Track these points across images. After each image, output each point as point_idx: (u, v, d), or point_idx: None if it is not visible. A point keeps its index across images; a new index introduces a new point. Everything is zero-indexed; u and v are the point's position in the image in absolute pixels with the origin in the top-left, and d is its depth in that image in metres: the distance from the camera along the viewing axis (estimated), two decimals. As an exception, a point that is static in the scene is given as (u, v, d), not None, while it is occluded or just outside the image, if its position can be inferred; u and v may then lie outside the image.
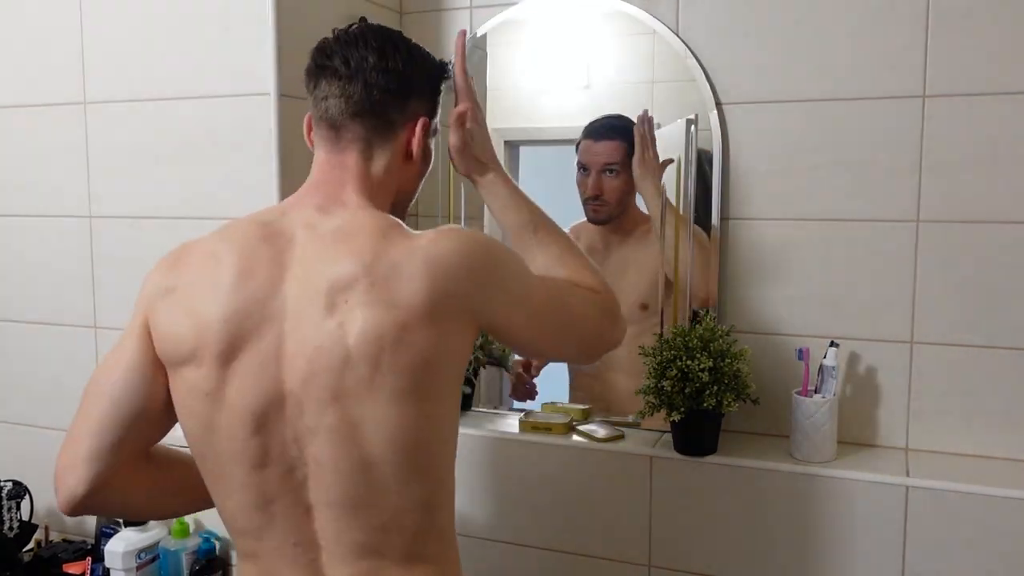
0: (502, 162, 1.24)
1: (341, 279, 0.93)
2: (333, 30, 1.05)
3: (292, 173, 1.49)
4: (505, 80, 1.75)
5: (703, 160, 1.57)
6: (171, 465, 1.10)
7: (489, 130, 1.23)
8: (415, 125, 1.06)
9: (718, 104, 1.56)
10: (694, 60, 1.56)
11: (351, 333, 0.91)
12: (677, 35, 1.58)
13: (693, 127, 1.56)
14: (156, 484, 1.09)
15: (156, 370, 1.00)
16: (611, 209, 1.67)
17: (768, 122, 1.54)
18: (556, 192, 1.82)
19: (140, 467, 1.05)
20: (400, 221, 1.00)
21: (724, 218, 1.58)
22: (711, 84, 1.56)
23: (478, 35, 1.72)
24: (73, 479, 1.01)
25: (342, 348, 0.91)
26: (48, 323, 1.73)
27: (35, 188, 1.71)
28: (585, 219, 1.70)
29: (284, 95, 1.47)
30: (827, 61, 1.50)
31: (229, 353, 0.94)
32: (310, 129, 1.07)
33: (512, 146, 1.77)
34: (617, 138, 1.64)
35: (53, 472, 1.03)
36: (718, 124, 1.56)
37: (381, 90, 1.02)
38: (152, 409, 1.00)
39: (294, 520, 0.97)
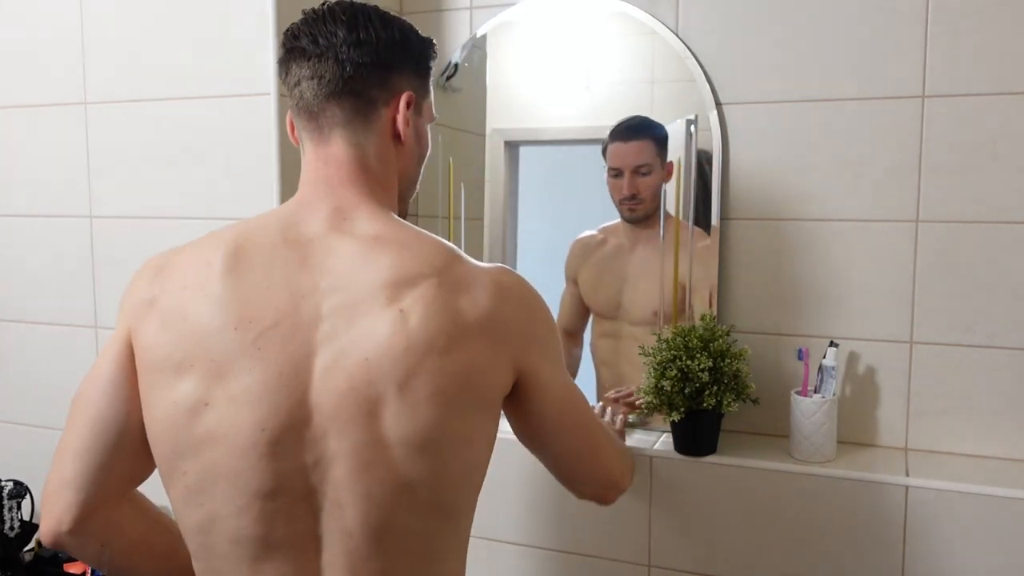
0: (502, 162, 1.24)
1: (403, 277, 0.87)
2: (302, 11, 0.98)
3: (292, 173, 1.49)
4: (505, 80, 1.75)
5: (703, 160, 1.57)
6: (158, 520, 1.02)
7: (489, 130, 1.22)
8: (399, 101, 0.98)
9: (718, 104, 1.56)
10: (694, 60, 1.57)
11: (404, 334, 0.85)
12: (677, 35, 1.58)
13: (693, 127, 1.56)
14: (139, 535, 1.00)
15: (136, 388, 0.92)
16: (647, 207, 1.63)
17: (768, 122, 1.54)
18: (556, 192, 1.83)
19: (124, 510, 0.97)
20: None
21: (724, 218, 1.58)
22: (711, 84, 1.56)
23: (478, 35, 1.73)
24: (60, 505, 0.93)
25: (389, 353, 0.85)
26: (48, 323, 1.73)
27: (35, 188, 1.71)
28: (618, 220, 1.67)
29: (284, 95, 1.47)
30: (827, 61, 1.50)
31: (233, 365, 0.86)
32: (293, 127, 1.01)
33: (512, 146, 1.77)
34: (646, 137, 1.62)
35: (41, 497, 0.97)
36: (718, 124, 1.56)
37: (355, 65, 0.94)
38: (134, 429, 0.92)
39: (297, 553, 0.88)
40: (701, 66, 1.56)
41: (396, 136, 0.99)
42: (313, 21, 0.95)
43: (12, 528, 1.63)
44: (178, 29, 1.55)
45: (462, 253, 0.95)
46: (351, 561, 0.88)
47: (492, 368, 0.91)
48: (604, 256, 1.71)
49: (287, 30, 0.97)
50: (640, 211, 1.64)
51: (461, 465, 0.93)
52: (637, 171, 1.62)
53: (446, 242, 0.95)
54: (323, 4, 0.97)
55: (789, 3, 1.51)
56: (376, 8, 0.99)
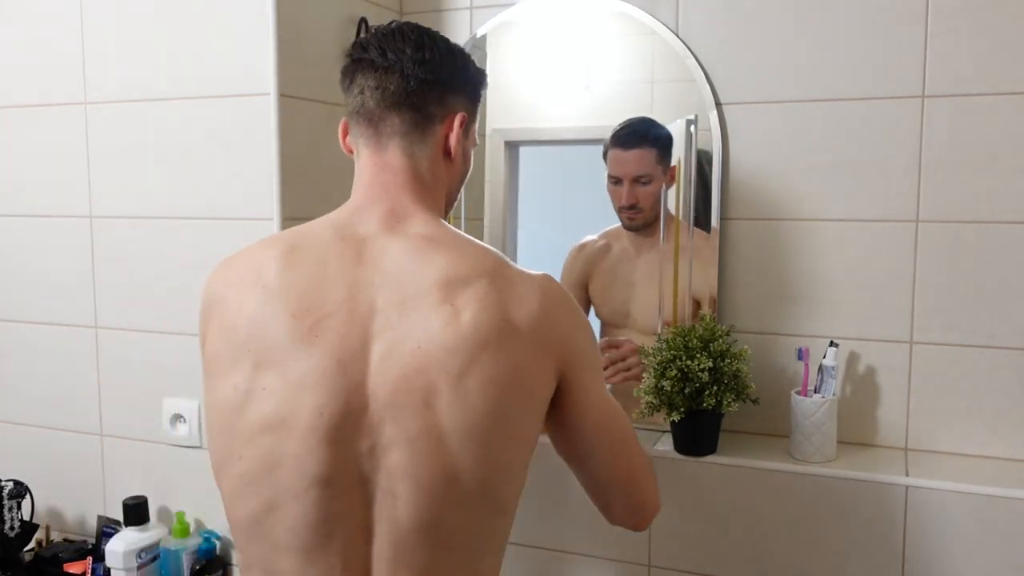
0: (502, 162, 1.25)
1: (456, 277, 0.92)
2: (374, 28, 1.05)
3: (292, 173, 1.49)
4: (505, 80, 1.75)
5: (703, 160, 1.57)
6: None
7: (489, 130, 1.24)
8: (453, 120, 1.04)
9: (718, 104, 1.56)
10: (694, 60, 1.56)
11: (457, 328, 0.89)
12: (677, 35, 1.58)
13: (693, 127, 1.56)
14: None
15: None
16: (647, 216, 1.62)
17: (768, 122, 1.54)
18: (556, 192, 1.83)
19: None
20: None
21: (724, 218, 1.58)
22: (711, 84, 1.56)
23: (478, 35, 1.72)
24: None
25: (443, 345, 0.89)
26: (48, 323, 1.73)
27: (35, 188, 1.71)
28: (619, 225, 1.66)
29: (284, 95, 1.47)
30: (827, 61, 1.50)
31: (291, 352, 0.89)
32: (345, 134, 1.06)
33: (512, 146, 1.77)
34: (647, 146, 1.60)
35: None
36: (718, 124, 1.56)
37: (418, 81, 1.00)
38: None
39: (348, 542, 0.90)
40: (701, 66, 1.56)
41: (447, 152, 1.05)
42: (384, 36, 1.01)
43: (12, 528, 1.63)
44: (178, 29, 1.55)
45: (508, 259, 1.00)
46: (398, 552, 0.90)
47: (538, 371, 0.95)
48: (611, 263, 1.69)
49: (356, 42, 1.04)
50: (639, 220, 1.63)
51: (508, 460, 0.96)
52: (637, 180, 1.61)
53: (493, 248, 1.01)
54: (393, 23, 1.04)
55: (789, 3, 1.51)
56: (440, 34, 1.06)
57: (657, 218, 1.61)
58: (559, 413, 1.02)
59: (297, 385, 0.88)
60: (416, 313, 0.90)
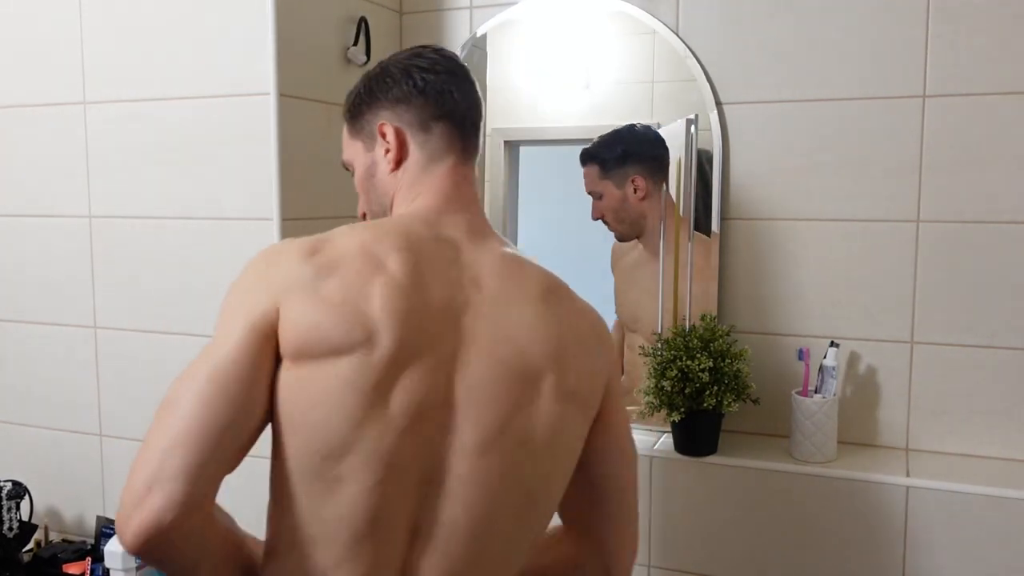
0: (502, 162, 1.26)
1: (548, 287, 0.97)
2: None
3: (292, 173, 1.49)
4: (505, 80, 1.75)
5: (703, 160, 1.57)
6: (237, 534, 0.96)
7: (489, 130, 1.24)
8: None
9: (718, 104, 1.56)
10: (694, 60, 1.57)
11: (557, 328, 0.94)
12: (677, 35, 1.58)
13: (693, 127, 1.55)
14: (220, 544, 0.92)
15: (267, 368, 0.88)
16: (623, 228, 1.64)
17: (768, 122, 1.54)
18: (556, 192, 1.82)
19: (210, 517, 0.89)
20: None
21: (724, 218, 1.58)
22: (711, 84, 1.56)
23: (478, 35, 1.72)
24: (161, 497, 0.81)
25: (544, 343, 0.92)
26: (48, 323, 1.73)
27: (35, 188, 1.71)
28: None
29: (284, 95, 1.47)
30: (827, 61, 1.50)
31: (403, 347, 0.87)
32: (403, 140, 1.02)
33: (512, 146, 1.77)
34: (589, 163, 1.65)
35: (120, 499, 0.84)
36: (718, 124, 1.56)
37: (478, 109, 1.05)
38: (258, 415, 0.87)
39: (394, 543, 0.89)
40: (701, 66, 1.56)
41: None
42: (443, 53, 1.06)
43: (11, 528, 1.63)
44: (178, 29, 1.55)
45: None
46: (447, 550, 0.90)
47: (601, 385, 0.99)
48: (628, 265, 1.70)
49: (444, 52, 1.06)
50: (618, 231, 1.65)
51: (565, 472, 0.97)
52: (593, 195, 1.64)
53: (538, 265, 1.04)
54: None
55: (789, 3, 1.51)
56: None
57: (645, 228, 1.62)
58: (592, 432, 1.01)
59: (406, 379, 0.88)
60: (512, 315, 0.93)
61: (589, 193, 1.65)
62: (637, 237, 1.66)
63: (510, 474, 0.91)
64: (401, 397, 0.87)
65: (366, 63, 1.65)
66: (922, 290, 1.48)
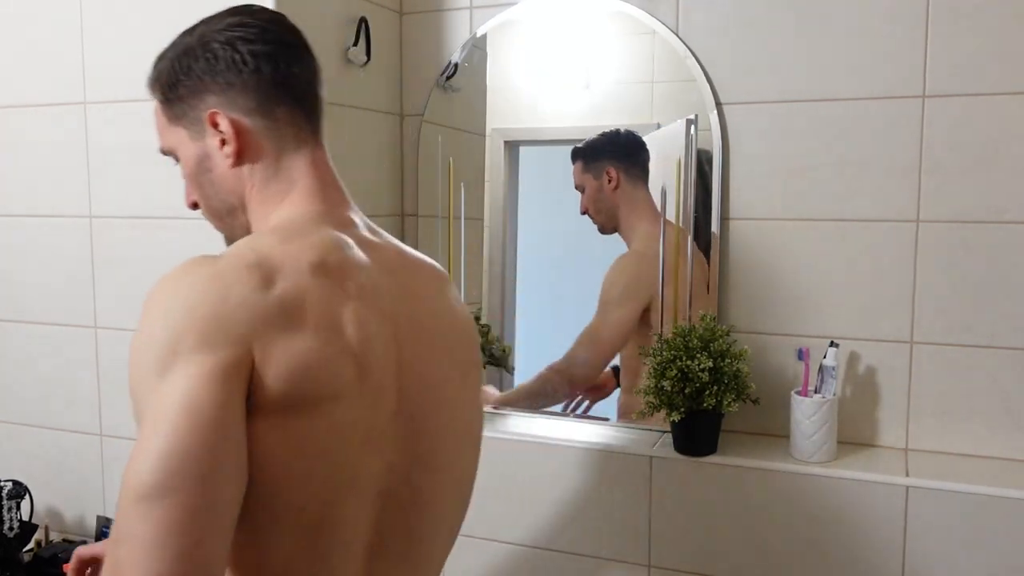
0: (502, 162, 1.25)
1: (443, 279, 0.95)
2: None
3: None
4: (505, 80, 1.75)
5: (703, 160, 1.57)
6: None
7: (489, 129, 1.23)
8: None
9: (718, 104, 1.56)
10: (694, 60, 1.56)
11: (467, 324, 0.95)
12: (677, 35, 1.58)
13: (693, 127, 1.56)
14: None
15: (243, 427, 0.72)
16: (601, 218, 1.69)
17: (768, 122, 1.54)
18: (556, 192, 1.82)
19: None
20: None
21: (724, 218, 1.58)
22: (711, 84, 1.56)
23: (478, 35, 1.73)
24: None
25: (459, 341, 0.92)
26: (48, 323, 1.73)
27: (35, 188, 1.71)
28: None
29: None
30: (827, 61, 1.50)
31: (385, 378, 0.81)
32: (237, 128, 0.87)
33: (512, 146, 1.77)
34: (574, 160, 1.69)
35: None
36: (718, 124, 1.56)
37: (320, 88, 0.92)
38: (242, 486, 0.71)
39: (356, 551, 0.82)
40: (701, 66, 1.56)
41: None
42: (280, 21, 0.91)
43: (11, 528, 1.63)
44: (178, 29, 1.54)
45: None
46: (396, 563, 0.86)
47: None
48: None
49: (274, 17, 0.92)
50: (599, 223, 1.70)
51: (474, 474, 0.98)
52: (579, 189, 1.69)
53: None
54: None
55: (789, 3, 1.51)
56: None
57: (620, 220, 1.68)
58: None
59: (369, 403, 0.81)
60: (428, 313, 0.90)
61: (576, 188, 1.70)
62: (615, 229, 1.69)
63: (463, 473, 0.91)
64: (388, 427, 0.81)
65: (366, 63, 1.65)
66: (922, 290, 1.48)
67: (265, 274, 0.75)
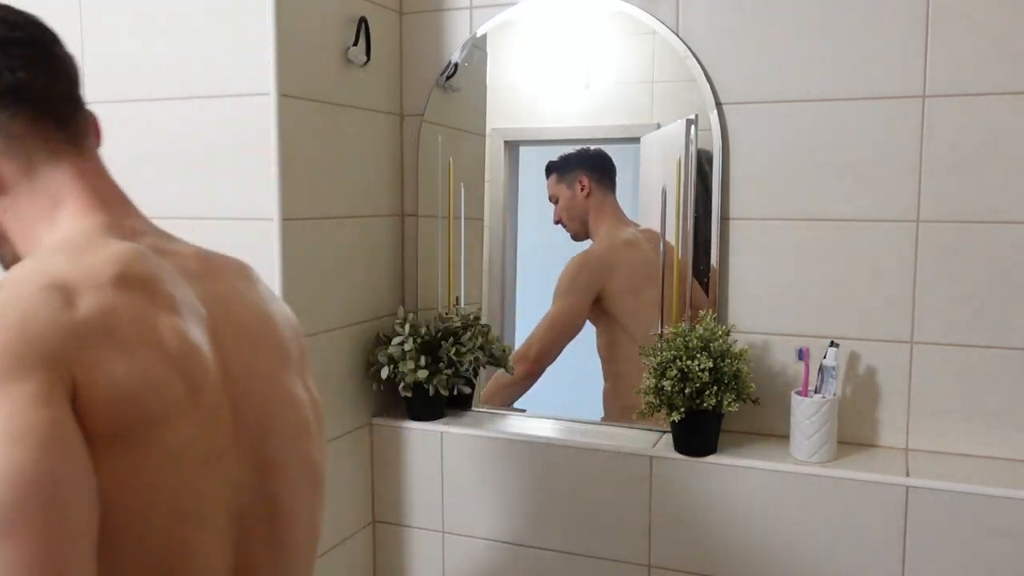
0: (502, 162, 1.24)
1: (244, 279, 0.87)
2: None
3: (292, 173, 1.49)
4: (505, 80, 1.75)
5: (703, 160, 1.57)
6: None
7: (489, 129, 1.22)
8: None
9: (718, 104, 1.56)
10: (694, 60, 1.57)
11: (286, 331, 0.87)
12: (677, 35, 1.58)
13: (693, 127, 1.56)
14: None
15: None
16: (575, 225, 1.76)
17: (768, 122, 1.54)
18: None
19: None
20: None
21: (724, 218, 1.58)
22: (711, 84, 1.56)
23: (478, 35, 1.72)
24: None
25: (282, 353, 0.85)
26: (48, 323, 1.73)
27: (35, 188, 1.71)
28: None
29: (284, 95, 1.47)
30: (827, 61, 1.50)
31: (213, 390, 0.74)
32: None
33: (512, 146, 1.77)
34: (550, 173, 1.76)
35: None
36: (718, 124, 1.56)
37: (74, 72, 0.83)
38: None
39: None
40: (701, 66, 1.56)
41: None
42: (26, 18, 0.80)
43: None
44: (178, 29, 1.55)
45: None
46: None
47: None
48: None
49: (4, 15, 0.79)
50: (572, 230, 1.77)
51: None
52: (552, 200, 1.77)
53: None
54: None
55: (789, 3, 1.51)
56: None
57: (590, 227, 1.74)
58: None
59: (207, 417, 0.76)
60: (250, 310, 0.84)
61: (550, 199, 1.76)
62: (586, 235, 1.75)
63: (314, 468, 0.85)
64: (229, 443, 0.74)
65: (366, 63, 1.65)
66: (922, 290, 1.48)
67: (65, 295, 0.66)
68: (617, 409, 1.69)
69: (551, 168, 1.76)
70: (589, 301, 1.73)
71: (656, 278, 1.63)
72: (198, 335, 0.74)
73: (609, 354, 1.74)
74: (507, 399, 1.80)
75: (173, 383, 0.69)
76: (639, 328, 1.67)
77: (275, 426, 0.81)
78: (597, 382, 1.74)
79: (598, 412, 1.72)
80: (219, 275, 0.84)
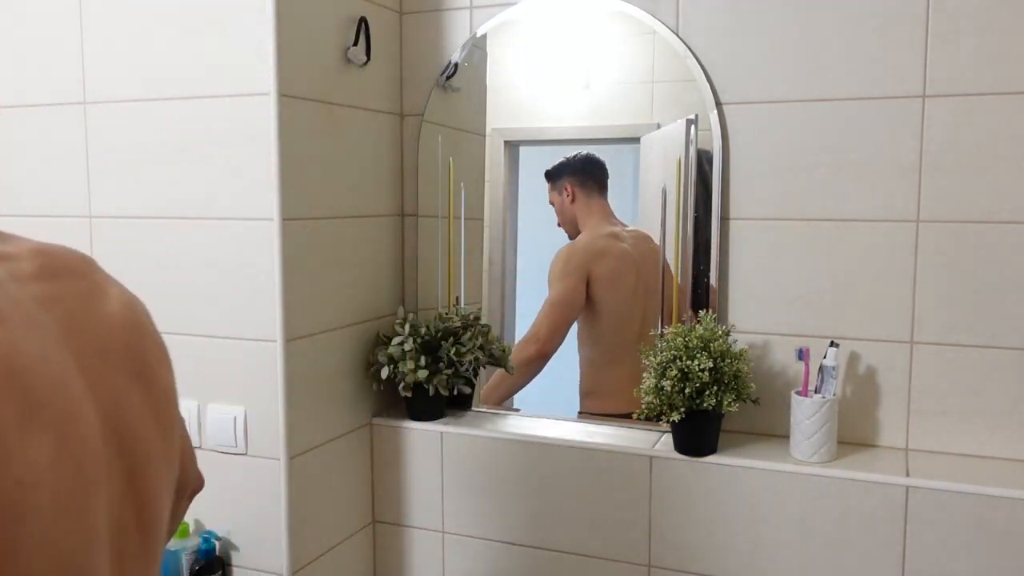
0: (502, 162, 1.24)
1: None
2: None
3: (292, 173, 1.49)
4: (505, 80, 1.75)
5: (703, 160, 1.57)
6: None
7: (489, 129, 1.23)
8: None
9: (718, 104, 1.56)
10: (694, 60, 1.57)
11: None
12: (677, 35, 1.58)
13: (693, 127, 1.56)
14: None
15: None
16: (568, 228, 1.80)
17: (768, 122, 1.54)
18: (556, 192, 1.82)
19: None
20: None
21: (724, 218, 1.58)
22: (711, 84, 1.56)
23: (478, 35, 1.73)
24: None
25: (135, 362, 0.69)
26: (48, 323, 1.73)
27: (35, 188, 1.71)
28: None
29: (284, 95, 1.47)
30: (827, 61, 1.50)
31: (68, 444, 0.54)
32: None
33: (512, 146, 1.77)
34: (547, 181, 1.80)
35: None
36: (718, 124, 1.56)
37: None
38: None
39: None
40: (701, 66, 1.56)
41: None
42: None
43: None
44: (178, 29, 1.55)
45: None
46: None
47: None
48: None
49: None
50: (567, 231, 1.81)
51: None
52: (552, 206, 1.82)
53: None
54: None
55: (789, 3, 1.51)
56: None
57: (579, 229, 1.79)
58: None
59: None
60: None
61: (550, 205, 1.82)
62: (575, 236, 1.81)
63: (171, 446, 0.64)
64: (110, 488, 0.55)
65: (366, 63, 1.65)
66: (922, 290, 1.48)
67: None
68: (585, 397, 1.78)
69: (547, 176, 1.82)
70: (583, 283, 1.79)
71: (636, 269, 1.74)
72: (58, 359, 0.55)
73: (585, 338, 1.81)
74: (513, 387, 1.82)
75: (38, 444, 0.48)
76: (617, 316, 1.78)
77: (143, 441, 0.59)
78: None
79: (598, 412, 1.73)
80: (62, 271, 0.64)
